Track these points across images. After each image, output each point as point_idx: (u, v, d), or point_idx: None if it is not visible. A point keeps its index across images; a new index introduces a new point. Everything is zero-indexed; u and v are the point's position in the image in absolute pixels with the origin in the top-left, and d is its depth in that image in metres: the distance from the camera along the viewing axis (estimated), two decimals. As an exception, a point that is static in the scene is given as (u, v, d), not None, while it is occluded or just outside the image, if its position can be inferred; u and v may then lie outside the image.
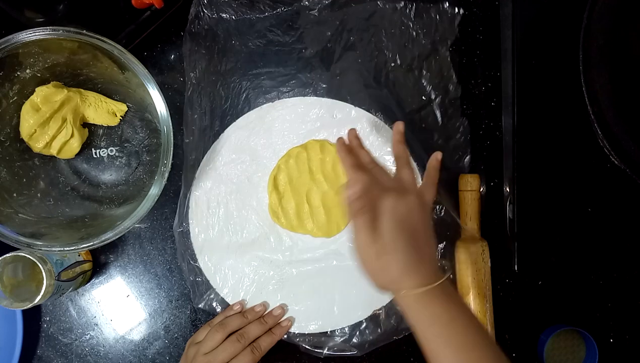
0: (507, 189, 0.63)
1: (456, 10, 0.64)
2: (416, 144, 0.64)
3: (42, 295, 0.56)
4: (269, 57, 0.65)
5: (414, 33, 0.64)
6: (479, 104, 0.66)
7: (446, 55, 0.64)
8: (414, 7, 0.63)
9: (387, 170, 0.54)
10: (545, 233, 0.64)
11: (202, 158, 0.64)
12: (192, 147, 0.63)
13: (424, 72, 0.64)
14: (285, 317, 0.63)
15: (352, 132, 0.59)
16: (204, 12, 0.63)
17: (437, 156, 0.56)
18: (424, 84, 0.64)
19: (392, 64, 0.64)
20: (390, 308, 0.63)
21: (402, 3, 0.63)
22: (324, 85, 0.64)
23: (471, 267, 0.62)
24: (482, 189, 0.64)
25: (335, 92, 0.64)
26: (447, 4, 0.64)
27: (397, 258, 0.47)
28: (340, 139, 0.57)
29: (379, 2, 0.63)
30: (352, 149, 0.56)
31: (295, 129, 0.64)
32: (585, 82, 0.54)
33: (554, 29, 0.61)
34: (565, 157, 0.63)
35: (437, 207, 0.63)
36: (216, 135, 0.64)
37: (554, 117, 0.62)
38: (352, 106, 0.63)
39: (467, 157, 0.64)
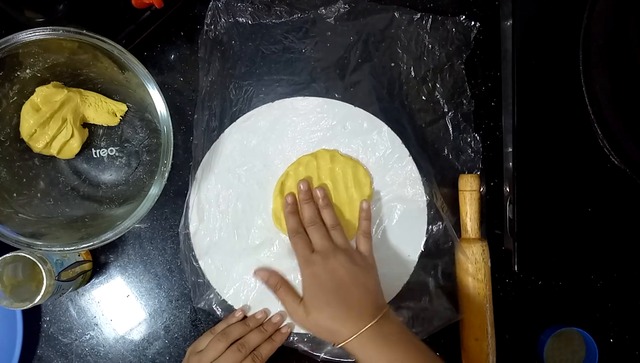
0: (507, 189, 0.63)
1: (472, 23, 0.63)
2: (425, 159, 0.64)
3: (42, 295, 0.56)
4: (283, 64, 0.65)
5: (430, 45, 0.64)
6: (479, 104, 0.66)
7: (461, 68, 0.64)
8: (430, 19, 0.63)
9: (329, 223, 0.61)
10: (545, 233, 0.64)
11: (210, 160, 0.63)
12: (200, 148, 0.63)
13: (438, 85, 0.64)
14: (284, 323, 0.63)
15: (304, 183, 0.62)
16: (220, 16, 0.63)
17: (362, 206, 0.62)
18: (437, 97, 0.64)
19: (407, 76, 0.64)
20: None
21: (419, 15, 0.63)
22: (338, 96, 0.64)
23: (471, 267, 0.62)
24: (482, 189, 0.64)
25: (349, 103, 0.64)
26: (464, 17, 0.64)
27: (322, 314, 0.55)
28: (287, 197, 0.62)
29: (395, 13, 0.63)
30: (297, 207, 0.62)
31: (306, 137, 0.64)
32: (585, 82, 0.54)
33: (554, 29, 0.61)
34: (565, 157, 0.63)
35: (433, 212, 0.64)
36: (225, 137, 0.63)
37: (554, 117, 0.62)
38: (366, 114, 0.63)
39: (478, 173, 0.64)
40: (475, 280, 0.62)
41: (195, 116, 0.63)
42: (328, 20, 0.64)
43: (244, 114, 0.63)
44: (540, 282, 0.66)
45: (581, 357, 0.65)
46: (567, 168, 0.64)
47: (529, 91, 0.61)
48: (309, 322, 0.56)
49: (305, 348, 0.63)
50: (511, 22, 0.61)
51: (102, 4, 0.61)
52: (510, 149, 0.63)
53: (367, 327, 0.52)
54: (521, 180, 0.61)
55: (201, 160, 0.63)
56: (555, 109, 0.62)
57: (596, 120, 0.55)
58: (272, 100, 0.63)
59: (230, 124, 0.63)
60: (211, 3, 0.63)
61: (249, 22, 0.64)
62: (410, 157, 0.63)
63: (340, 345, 0.54)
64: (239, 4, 0.63)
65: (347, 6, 0.63)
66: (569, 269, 0.66)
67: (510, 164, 0.62)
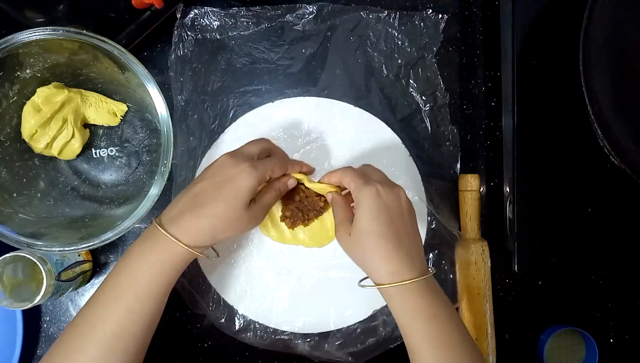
0: (507, 189, 0.63)
1: (440, 16, 0.63)
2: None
3: (42, 295, 0.56)
4: (255, 75, 0.64)
5: (399, 42, 0.64)
6: (479, 104, 0.66)
7: (433, 62, 0.64)
8: (397, 16, 0.63)
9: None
10: (545, 233, 0.64)
11: (192, 177, 0.63)
12: (182, 167, 0.63)
13: (412, 81, 0.64)
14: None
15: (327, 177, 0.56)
16: (187, 34, 0.63)
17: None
18: (412, 93, 0.64)
19: (379, 74, 0.64)
20: (388, 314, 0.63)
21: (386, 12, 0.63)
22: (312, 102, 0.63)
23: (471, 267, 0.62)
24: (482, 189, 0.64)
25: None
26: (431, 11, 0.64)
27: (375, 247, 0.48)
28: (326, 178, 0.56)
29: (362, 13, 0.63)
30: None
31: (284, 144, 0.63)
32: (585, 82, 0.54)
33: (554, 29, 0.61)
34: (565, 157, 0.63)
35: (431, 217, 0.63)
36: (204, 154, 0.63)
37: (554, 117, 0.62)
38: (341, 105, 0.63)
39: (457, 165, 0.64)
40: (475, 280, 0.61)
41: (175, 135, 0.62)
42: (295, 26, 0.63)
43: (221, 128, 0.63)
44: (540, 282, 0.66)
45: (581, 357, 0.65)
46: (567, 168, 0.63)
47: (529, 91, 0.61)
48: (354, 251, 0.51)
49: (306, 348, 0.63)
50: (511, 21, 0.61)
51: (102, 4, 0.61)
52: (510, 149, 0.63)
53: (424, 277, 0.48)
54: (521, 180, 0.61)
55: (183, 178, 0.63)
56: (555, 109, 0.62)
57: (596, 120, 0.55)
58: (247, 112, 0.63)
59: (208, 140, 0.63)
60: (177, 21, 0.62)
61: (217, 36, 0.63)
62: (392, 135, 0.63)
63: (379, 287, 0.48)
64: (205, 20, 0.63)
65: (313, 10, 0.63)
66: (569, 269, 0.66)
67: (511, 164, 0.62)
